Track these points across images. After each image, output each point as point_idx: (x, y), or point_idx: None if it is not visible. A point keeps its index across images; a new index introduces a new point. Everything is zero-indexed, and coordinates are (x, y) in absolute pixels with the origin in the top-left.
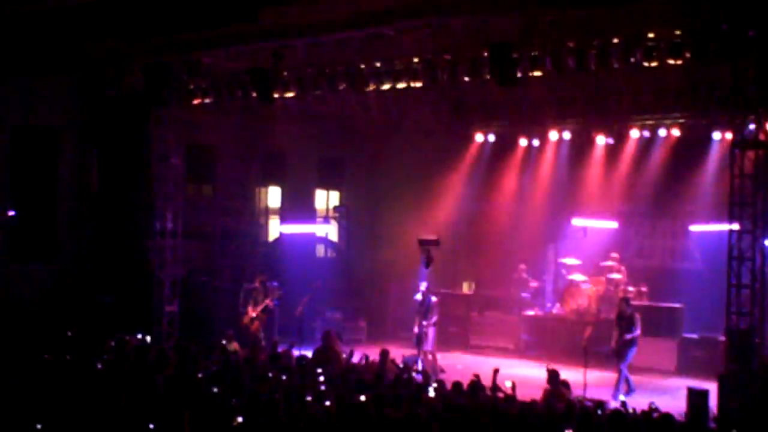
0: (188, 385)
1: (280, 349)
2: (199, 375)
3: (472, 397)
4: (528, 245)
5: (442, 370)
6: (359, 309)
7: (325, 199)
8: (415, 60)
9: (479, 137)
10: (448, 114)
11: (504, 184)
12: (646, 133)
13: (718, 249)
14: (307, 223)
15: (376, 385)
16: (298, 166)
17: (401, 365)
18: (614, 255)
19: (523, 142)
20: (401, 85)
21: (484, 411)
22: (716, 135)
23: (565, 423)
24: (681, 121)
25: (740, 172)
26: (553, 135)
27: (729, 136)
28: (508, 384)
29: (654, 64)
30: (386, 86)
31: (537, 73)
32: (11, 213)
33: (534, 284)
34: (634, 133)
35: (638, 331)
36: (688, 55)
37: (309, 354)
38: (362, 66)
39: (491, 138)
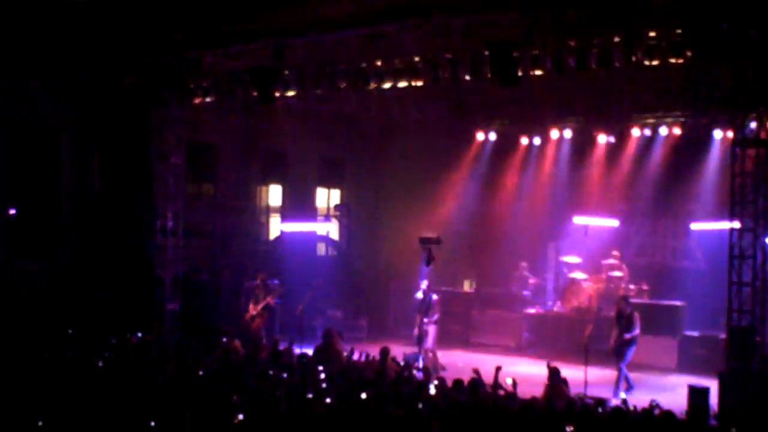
0: (189, 383)
1: (280, 347)
2: (200, 373)
3: (473, 394)
4: (529, 243)
5: (443, 368)
6: (360, 307)
7: (326, 197)
8: (416, 59)
9: (480, 136)
10: (449, 113)
11: (505, 182)
12: (647, 132)
13: (719, 247)
14: (308, 222)
15: (377, 383)
16: (299, 164)
17: (402, 363)
18: (615, 253)
19: (524, 140)
20: (402, 84)
21: (484, 408)
22: (717, 133)
23: (566, 420)
24: (682, 119)
25: (741, 171)
26: (554, 134)
27: (730, 134)
28: (509, 381)
29: (655, 63)
30: (387, 85)
31: (538, 73)
32: (12, 211)
33: (532, 281)
34: (635, 132)
35: (637, 331)
36: (689, 54)
37: (310, 352)
38: (363, 65)
39: (492, 137)
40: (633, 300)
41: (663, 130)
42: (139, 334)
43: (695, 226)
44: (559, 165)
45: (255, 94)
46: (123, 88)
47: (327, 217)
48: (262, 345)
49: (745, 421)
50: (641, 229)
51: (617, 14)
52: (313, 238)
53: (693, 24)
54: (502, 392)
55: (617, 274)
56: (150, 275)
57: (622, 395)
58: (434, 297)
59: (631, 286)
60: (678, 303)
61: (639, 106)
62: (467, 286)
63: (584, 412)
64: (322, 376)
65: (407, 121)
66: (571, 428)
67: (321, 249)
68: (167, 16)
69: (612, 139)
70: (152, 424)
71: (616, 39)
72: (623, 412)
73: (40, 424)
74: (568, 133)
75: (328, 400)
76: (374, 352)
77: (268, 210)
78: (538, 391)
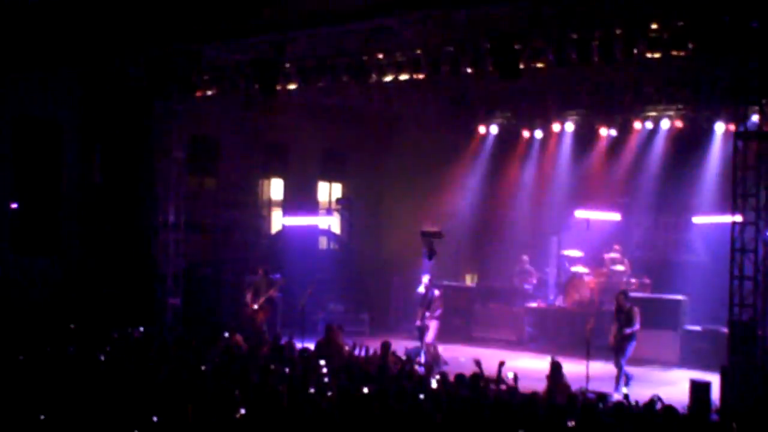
0: (191, 378)
1: (282, 342)
2: (202, 367)
3: (475, 388)
4: (531, 237)
5: (445, 362)
6: (362, 301)
7: (328, 191)
8: (418, 52)
9: (482, 129)
10: (451, 106)
11: (507, 176)
12: (649, 125)
13: (721, 241)
14: (309, 216)
15: (379, 378)
16: (301, 158)
17: (404, 357)
18: (617, 247)
19: (525, 134)
20: (404, 77)
21: (486, 403)
22: (719, 126)
23: (568, 415)
24: (684, 112)
25: (743, 164)
26: (555, 127)
27: (732, 127)
28: (511, 375)
29: (657, 55)
30: (388, 78)
31: (539, 65)
32: (14, 206)
33: (534, 275)
34: (637, 125)
35: (637, 326)
36: (690, 46)
37: (311, 346)
38: (365, 58)
39: (494, 130)
40: (635, 294)
41: (665, 123)
42: (141, 329)
43: (697, 219)
44: (560, 159)
45: (257, 87)
46: (125, 81)
47: (329, 211)
48: (264, 339)
49: (747, 416)
50: (643, 223)
51: (619, 6)
52: (314, 232)
53: (695, 16)
54: (504, 387)
55: (619, 267)
56: (152, 269)
57: (624, 390)
58: (436, 292)
59: (633, 280)
60: (680, 297)
61: (641, 99)
62: (469, 280)
63: (586, 407)
64: (324, 370)
65: (409, 114)
66: (573, 423)
67: (323, 243)
68: (169, 9)
69: (614, 133)
70: (155, 418)
71: (618, 31)
72: (625, 407)
73: (42, 418)
74: (569, 127)
75: (329, 394)
76: (376, 346)
77: (269, 204)
78: (540, 386)
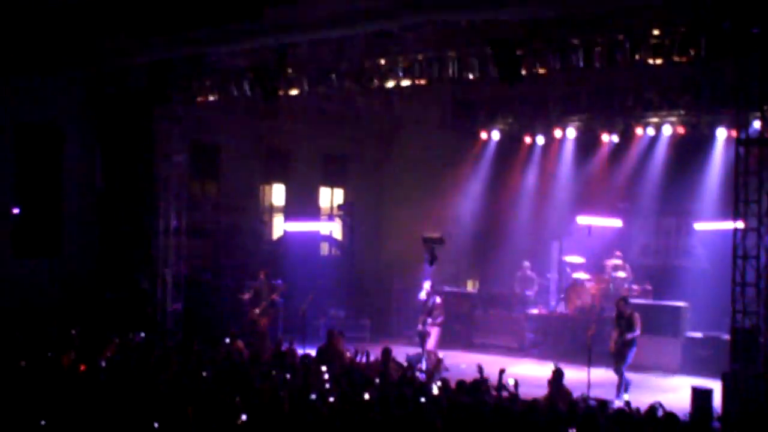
0: (192, 384)
1: (283, 347)
2: (204, 373)
3: (476, 395)
4: (532, 243)
5: (446, 369)
6: (363, 307)
7: (330, 196)
8: (420, 57)
9: (484, 135)
10: (453, 111)
11: (508, 181)
12: (651, 131)
13: (723, 247)
14: (311, 221)
15: (380, 384)
16: (302, 163)
17: (405, 364)
18: (619, 253)
19: (527, 139)
20: (406, 83)
21: (487, 410)
22: (721, 132)
23: (569, 422)
24: (685, 118)
25: (745, 170)
26: (557, 133)
27: (734, 133)
28: (511, 382)
29: (659, 61)
30: (390, 83)
31: (541, 71)
32: (16, 210)
33: (534, 282)
34: (639, 131)
35: (638, 331)
36: (692, 52)
37: (312, 352)
38: (366, 63)
39: (496, 136)
40: (636, 300)
41: (666, 129)
42: (142, 334)
43: (699, 226)
44: (562, 164)
45: (259, 92)
46: (126, 86)
47: (330, 217)
48: (266, 345)
49: (749, 423)
50: (644, 229)
51: (621, 12)
52: (316, 238)
53: (696, 23)
54: (505, 393)
55: (621, 274)
56: (153, 274)
57: (626, 397)
58: (437, 300)
59: (635, 287)
60: (681, 304)
61: (642, 105)
62: (470, 286)
63: (587, 414)
64: (326, 376)
65: (410, 120)
66: (574, 430)
67: (324, 248)
68: (171, 14)
69: (615, 139)
70: (156, 424)
71: (620, 37)
72: (626, 414)
73: (42, 423)
74: (571, 133)
75: (331, 401)
76: (377, 352)
77: (271, 209)
78: (541, 393)
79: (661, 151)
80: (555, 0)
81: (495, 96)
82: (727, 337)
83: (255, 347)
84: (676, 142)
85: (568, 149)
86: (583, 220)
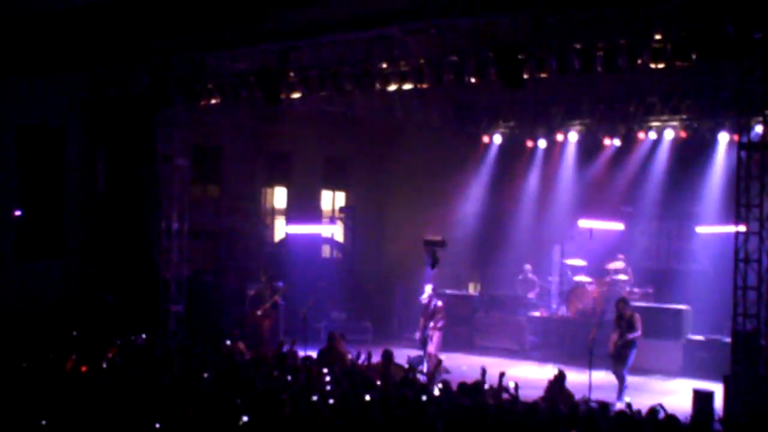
0: (194, 385)
1: (284, 349)
2: (205, 375)
3: (477, 397)
4: (534, 246)
5: (447, 371)
6: (364, 310)
7: (331, 199)
8: (421, 61)
9: (485, 138)
10: (455, 115)
11: (510, 185)
12: (653, 135)
13: (724, 251)
14: (312, 224)
15: (382, 386)
16: (304, 166)
17: (406, 366)
18: (620, 256)
19: (529, 143)
20: (407, 86)
21: (488, 412)
22: (722, 137)
23: (570, 425)
24: (687, 123)
25: (746, 174)
26: (559, 137)
27: (735, 137)
28: (512, 385)
29: (661, 66)
30: (392, 87)
31: (543, 75)
32: (18, 212)
33: (535, 285)
34: (641, 135)
35: (639, 332)
36: (694, 57)
37: (314, 354)
38: (368, 67)
39: (497, 139)
40: (638, 303)
41: (668, 134)
42: (144, 336)
43: (700, 229)
44: (564, 168)
45: (260, 95)
46: (128, 89)
47: (332, 220)
48: (268, 346)
49: (750, 426)
50: (646, 233)
51: (622, 17)
52: (317, 241)
53: (698, 27)
54: (505, 396)
55: (622, 277)
56: (155, 277)
57: (627, 399)
58: (439, 303)
59: (636, 290)
60: (683, 307)
61: (644, 110)
62: (472, 289)
63: (588, 416)
64: (327, 378)
65: (412, 123)
66: None
67: (326, 251)
68: (173, 17)
69: (617, 143)
70: (157, 425)
71: (622, 42)
72: (627, 416)
73: (44, 424)
74: (573, 137)
75: (332, 402)
76: (378, 354)
77: (272, 212)
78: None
79: (662, 155)
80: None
81: (497, 100)
82: (728, 339)
83: (257, 349)
84: (678, 146)
85: (570, 153)
86: (584, 223)
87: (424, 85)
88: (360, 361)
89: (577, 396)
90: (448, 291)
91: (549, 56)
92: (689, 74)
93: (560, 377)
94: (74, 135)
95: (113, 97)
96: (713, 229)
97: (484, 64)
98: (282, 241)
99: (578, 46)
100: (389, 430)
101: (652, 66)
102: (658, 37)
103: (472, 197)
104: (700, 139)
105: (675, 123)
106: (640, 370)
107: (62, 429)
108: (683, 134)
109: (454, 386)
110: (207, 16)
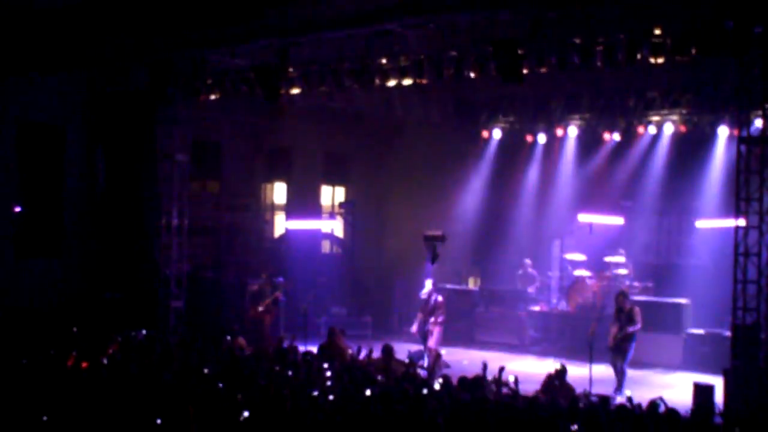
0: (194, 381)
1: (285, 345)
2: (205, 370)
3: (477, 391)
4: (534, 241)
5: (447, 366)
6: (365, 305)
7: (331, 195)
8: (421, 56)
9: (485, 133)
10: (454, 110)
11: (510, 180)
12: (653, 130)
13: (724, 245)
14: (312, 219)
15: (383, 381)
16: (304, 162)
17: (407, 361)
18: (621, 251)
19: (529, 138)
20: (407, 82)
21: (489, 406)
22: (722, 131)
23: (571, 419)
24: (687, 117)
25: (746, 168)
26: (559, 131)
27: (735, 132)
28: (511, 379)
29: (660, 60)
30: (392, 82)
31: (543, 70)
32: (18, 209)
33: (535, 279)
34: (641, 130)
35: (639, 325)
36: (694, 51)
37: (314, 350)
38: (368, 62)
39: (497, 134)
40: (638, 297)
41: (668, 128)
42: (144, 332)
43: (700, 223)
44: (564, 163)
45: (260, 91)
46: (128, 86)
47: (332, 215)
48: (269, 342)
49: (750, 419)
50: (646, 227)
51: (622, 11)
52: (317, 236)
53: (697, 21)
54: (505, 390)
55: (622, 271)
56: (155, 273)
57: (628, 393)
58: (439, 298)
59: (636, 284)
60: (683, 300)
61: (644, 104)
62: (472, 284)
63: (589, 410)
64: (328, 374)
65: (412, 118)
66: (576, 427)
67: (326, 246)
68: (172, 14)
69: (617, 137)
70: (158, 421)
71: (621, 36)
72: (628, 410)
73: (45, 419)
74: (573, 131)
75: (332, 398)
76: (379, 349)
77: (272, 207)
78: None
79: (662, 149)
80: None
81: (496, 95)
82: (728, 333)
83: (257, 344)
84: (678, 140)
85: (570, 148)
86: (584, 218)
87: (424, 81)
88: (360, 357)
89: (578, 390)
90: (448, 286)
91: (548, 51)
92: (689, 69)
93: (561, 372)
94: (74, 132)
95: (113, 95)
96: (713, 223)
97: (484, 59)
98: (282, 237)
99: (578, 40)
100: (390, 425)
101: (652, 61)
102: (657, 31)
103: (472, 192)
104: (699, 134)
105: (675, 117)
106: (641, 364)
107: (63, 425)
108: (683, 128)
109: (455, 381)
110: (207, 12)
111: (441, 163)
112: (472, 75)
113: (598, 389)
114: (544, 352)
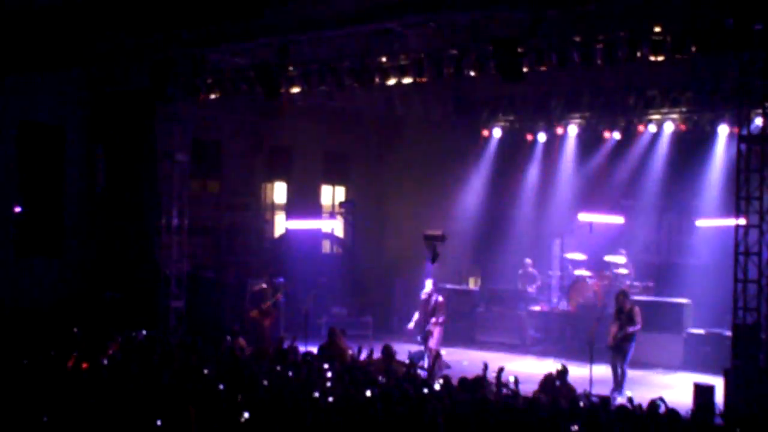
0: (195, 381)
1: (285, 345)
2: (205, 371)
3: (477, 392)
4: (534, 240)
5: (448, 366)
6: (365, 305)
7: (331, 194)
8: (421, 55)
9: (485, 132)
10: (454, 109)
11: (510, 179)
12: (653, 128)
13: (725, 244)
14: (312, 219)
15: (384, 382)
16: (304, 161)
17: (407, 361)
18: (621, 250)
19: (529, 137)
20: (407, 80)
21: (489, 407)
22: (722, 129)
23: (571, 419)
24: (687, 115)
25: (746, 167)
26: (559, 130)
27: (735, 130)
28: (511, 379)
29: (660, 58)
30: (392, 81)
31: (543, 69)
32: (18, 209)
33: (536, 279)
34: (641, 128)
35: (639, 325)
36: (694, 49)
37: (314, 350)
38: (367, 61)
39: (497, 133)
40: (638, 297)
41: (668, 126)
42: (144, 332)
43: (700, 222)
44: (564, 162)
45: (260, 90)
46: (128, 85)
47: (332, 215)
48: (269, 343)
49: (751, 419)
50: (646, 226)
51: (622, 10)
52: (317, 236)
53: (698, 19)
54: (505, 391)
55: (623, 271)
56: (155, 273)
57: (628, 393)
58: (439, 298)
59: (636, 283)
60: (683, 300)
61: (644, 102)
62: (472, 284)
63: (589, 410)
64: (328, 374)
65: (412, 117)
66: (576, 428)
67: (326, 246)
68: (172, 12)
69: (617, 136)
70: (158, 422)
71: (621, 34)
72: (628, 410)
73: (45, 420)
74: (573, 130)
75: (330, 399)
76: (379, 349)
77: (272, 207)
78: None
79: (662, 148)
80: None
81: (496, 93)
82: (728, 333)
83: (258, 345)
84: (678, 139)
85: (570, 146)
86: (584, 217)
87: (424, 79)
88: (361, 357)
89: (578, 390)
90: (448, 286)
91: (548, 49)
92: (689, 67)
93: (563, 372)
94: (74, 132)
95: (113, 94)
96: (713, 222)
97: (484, 58)
98: (282, 237)
99: (578, 39)
100: (390, 426)
101: (652, 59)
102: (657, 29)
103: (472, 191)
104: (700, 132)
105: (675, 115)
106: (641, 364)
107: (64, 426)
108: (683, 127)
109: (455, 381)
110: (206, 11)
111: (441, 162)
112: (472, 73)
113: (598, 389)
114: (544, 352)
